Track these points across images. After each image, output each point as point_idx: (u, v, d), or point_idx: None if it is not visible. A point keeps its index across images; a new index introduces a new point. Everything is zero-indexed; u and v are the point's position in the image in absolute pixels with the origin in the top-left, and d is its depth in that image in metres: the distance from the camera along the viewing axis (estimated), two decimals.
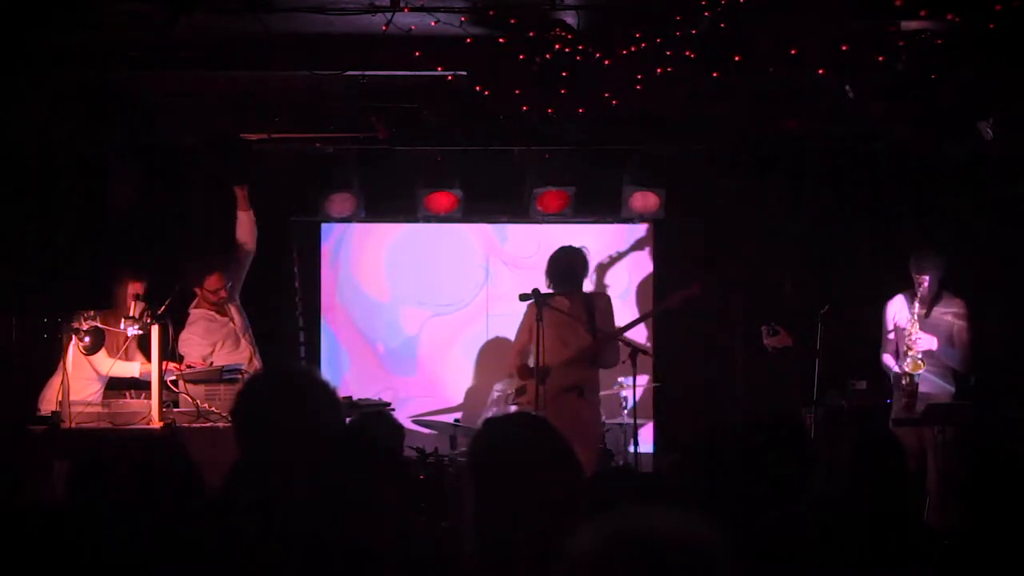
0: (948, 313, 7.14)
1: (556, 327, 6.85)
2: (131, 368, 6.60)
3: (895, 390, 7.23)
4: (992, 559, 3.25)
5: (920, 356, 7.00)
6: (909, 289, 7.17)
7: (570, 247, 7.12)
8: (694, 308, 8.55)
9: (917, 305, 7.06)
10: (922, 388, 7.04)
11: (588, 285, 7.34)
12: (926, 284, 7.06)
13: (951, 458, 6.56)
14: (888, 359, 7.27)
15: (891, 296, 7.31)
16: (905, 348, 7.06)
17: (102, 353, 6.45)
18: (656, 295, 8.70)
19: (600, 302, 7.10)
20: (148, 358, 6.38)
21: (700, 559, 1.57)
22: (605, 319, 7.04)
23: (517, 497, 2.47)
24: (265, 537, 2.56)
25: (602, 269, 8.77)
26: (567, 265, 7.01)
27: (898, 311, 7.23)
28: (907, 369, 7.02)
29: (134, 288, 6.40)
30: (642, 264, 8.83)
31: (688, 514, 1.62)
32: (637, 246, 8.84)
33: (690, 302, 7.16)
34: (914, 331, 7.02)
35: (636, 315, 8.13)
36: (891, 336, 7.26)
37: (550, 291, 6.90)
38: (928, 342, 7.01)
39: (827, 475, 3.30)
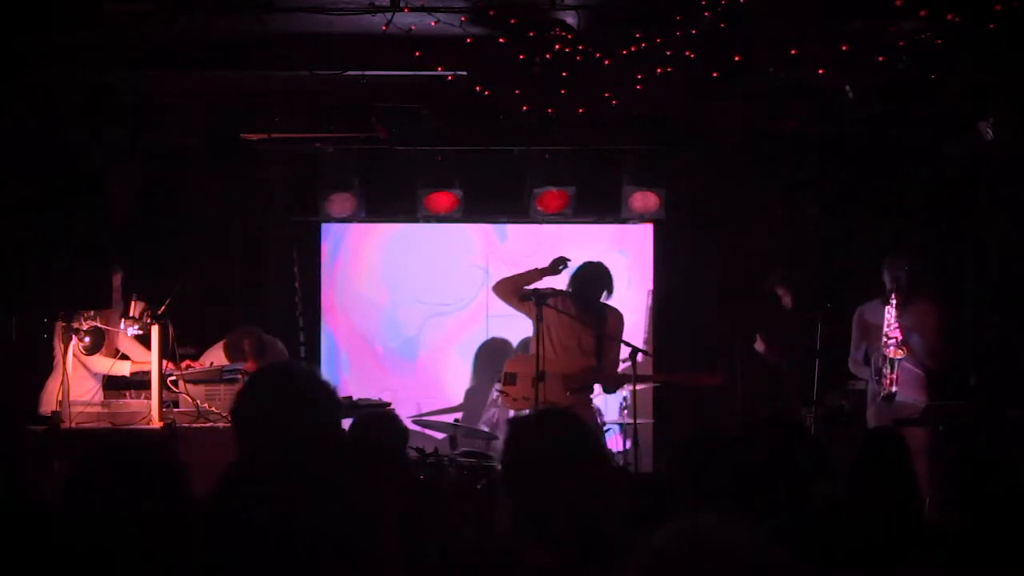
0: (920, 307, 7.09)
1: (557, 328, 6.84)
2: (122, 368, 6.59)
3: (871, 400, 7.12)
4: (987, 560, 3.25)
5: (900, 341, 6.93)
6: (880, 295, 7.12)
7: (597, 264, 6.98)
8: (693, 315, 8.58)
9: (893, 301, 7.01)
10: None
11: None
12: (899, 284, 7.02)
13: (946, 458, 6.54)
14: (855, 365, 7.22)
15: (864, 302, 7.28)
16: (884, 340, 6.97)
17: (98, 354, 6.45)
18: (656, 295, 8.70)
19: (612, 318, 6.97)
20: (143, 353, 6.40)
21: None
22: (611, 336, 6.95)
23: (554, 493, 2.48)
24: (265, 537, 2.56)
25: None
26: (586, 279, 6.91)
27: (869, 314, 7.16)
28: (889, 355, 6.90)
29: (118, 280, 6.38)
30: (642, 264, 8.81)
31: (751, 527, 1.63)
32: (637, 246, 8.83)
33: (704, 386, 7.30)
34: (893, 322, 6.97)
35: (635, 315, 8.08)
36: (860, 341, 7.20)
37: (555, 291, 6.89)
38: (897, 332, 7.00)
39: (830, 474, 3.30)
